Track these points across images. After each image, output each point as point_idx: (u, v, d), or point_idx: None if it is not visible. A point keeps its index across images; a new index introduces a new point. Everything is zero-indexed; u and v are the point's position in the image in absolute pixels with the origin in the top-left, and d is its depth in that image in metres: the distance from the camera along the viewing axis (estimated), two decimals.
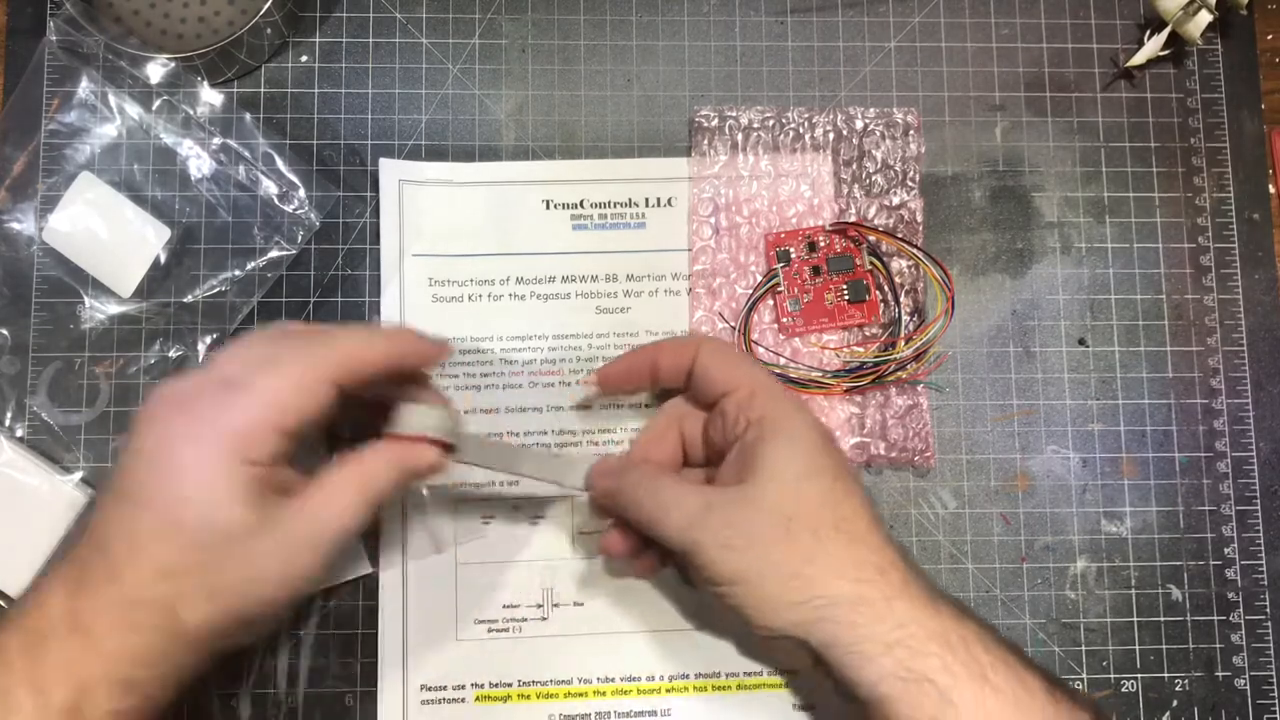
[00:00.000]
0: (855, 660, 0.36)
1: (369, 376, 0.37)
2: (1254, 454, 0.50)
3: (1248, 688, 0.48)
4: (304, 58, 0.51)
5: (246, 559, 0.34)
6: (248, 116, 0.48)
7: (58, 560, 0.37)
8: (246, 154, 0.48)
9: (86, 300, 0.48)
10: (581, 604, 0.47)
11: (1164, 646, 0.48)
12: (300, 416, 0.35)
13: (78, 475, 0.46)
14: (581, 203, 0.50)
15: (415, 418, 0.39)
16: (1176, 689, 0.48)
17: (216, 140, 0.49)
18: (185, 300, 0.48)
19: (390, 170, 0.50)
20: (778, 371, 0.48)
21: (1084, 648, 0.48)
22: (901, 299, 0.49)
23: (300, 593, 0.35)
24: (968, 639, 0.37)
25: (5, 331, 0.47)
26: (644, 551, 0.43)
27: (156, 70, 0.48)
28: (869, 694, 0.36)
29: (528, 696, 0.47)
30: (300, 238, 0.48)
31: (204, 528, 0.34)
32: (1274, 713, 0.48)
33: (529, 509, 0.48)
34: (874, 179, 0.51)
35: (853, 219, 0.50)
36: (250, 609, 0.34)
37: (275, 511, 0.35)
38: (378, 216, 0.49)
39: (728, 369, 0.42)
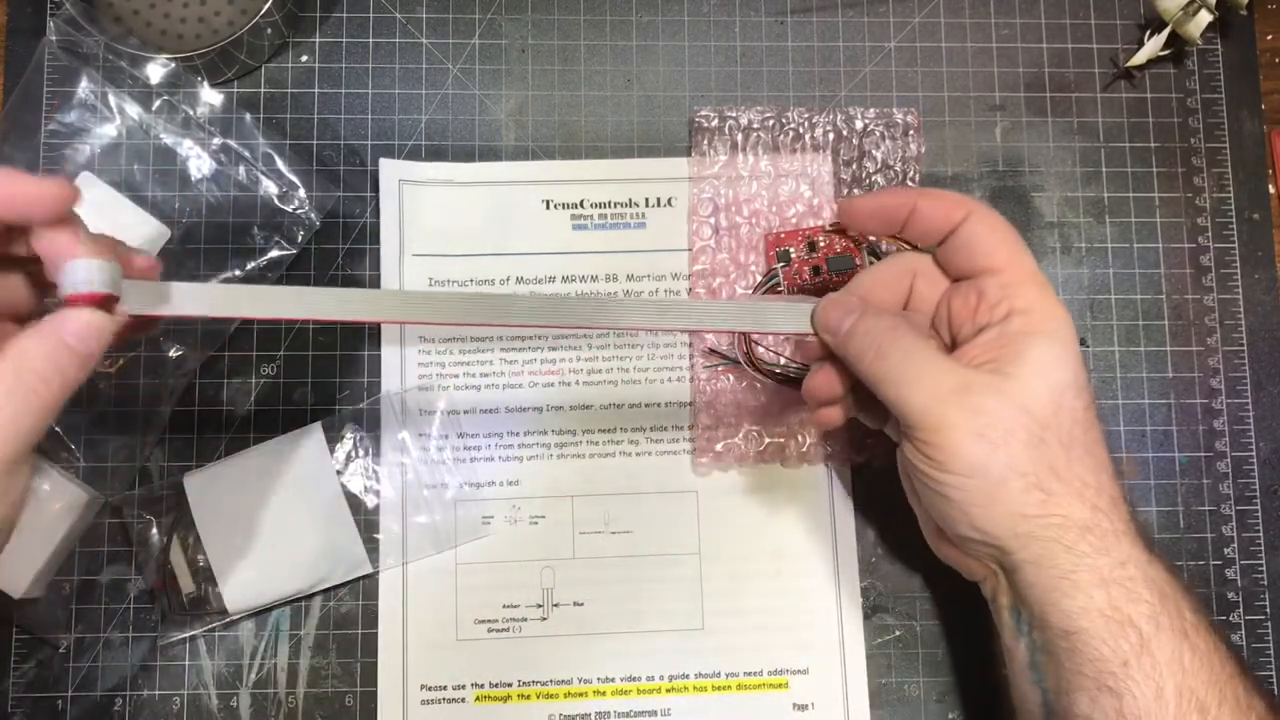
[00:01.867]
0: (1065, 586, 0.35)
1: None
2: (1254, 454, 0.50)
3: None
4: (304, 58, 0.51)
5: None
6: (248, 116, 0.48)
7: None
8: (246, 154, 0.48)
9: None
10: (581, 604, 0.47)
11: None
12: None
13: (77, 475, 0.46)
14: (581, 203, 0.50)
15: (63, 275, 0.34)
16: None
17: (216, 140, 0.49)
18: None
19: (390, 170, 0.50)
20: (778, 371, 0.48)
21: None
22: None
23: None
24: (1177, 594, 0.35)
25: None
26: (842, 400, 0.41)
27: (156, 70, 0.48)
28: (1065, 623, 0.35)
29: (528, 696, 0.47)
30: (300, 238, 0.48)
31: None
32: None
33: (529, 509, 0.48)
34: (874, 179, 0.51)
35: None
36: None
37: None
38: (378, 216, 0.49)
39: (1000, 245, 0.39)
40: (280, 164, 0.48)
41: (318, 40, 0.51)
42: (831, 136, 0.51)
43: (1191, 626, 0.35)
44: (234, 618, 0.46)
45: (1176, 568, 0.38)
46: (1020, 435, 0.35)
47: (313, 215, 0.48)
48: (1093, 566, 0.35)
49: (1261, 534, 0.49)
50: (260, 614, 0.47)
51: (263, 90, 0.50)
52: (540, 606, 0.47)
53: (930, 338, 0.40)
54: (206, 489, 0.46)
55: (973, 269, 0.39)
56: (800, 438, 0.48)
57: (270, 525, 0.46)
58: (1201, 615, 0.36)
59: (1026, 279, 0.38)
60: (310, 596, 0.47)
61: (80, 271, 0.34)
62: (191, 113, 0.48)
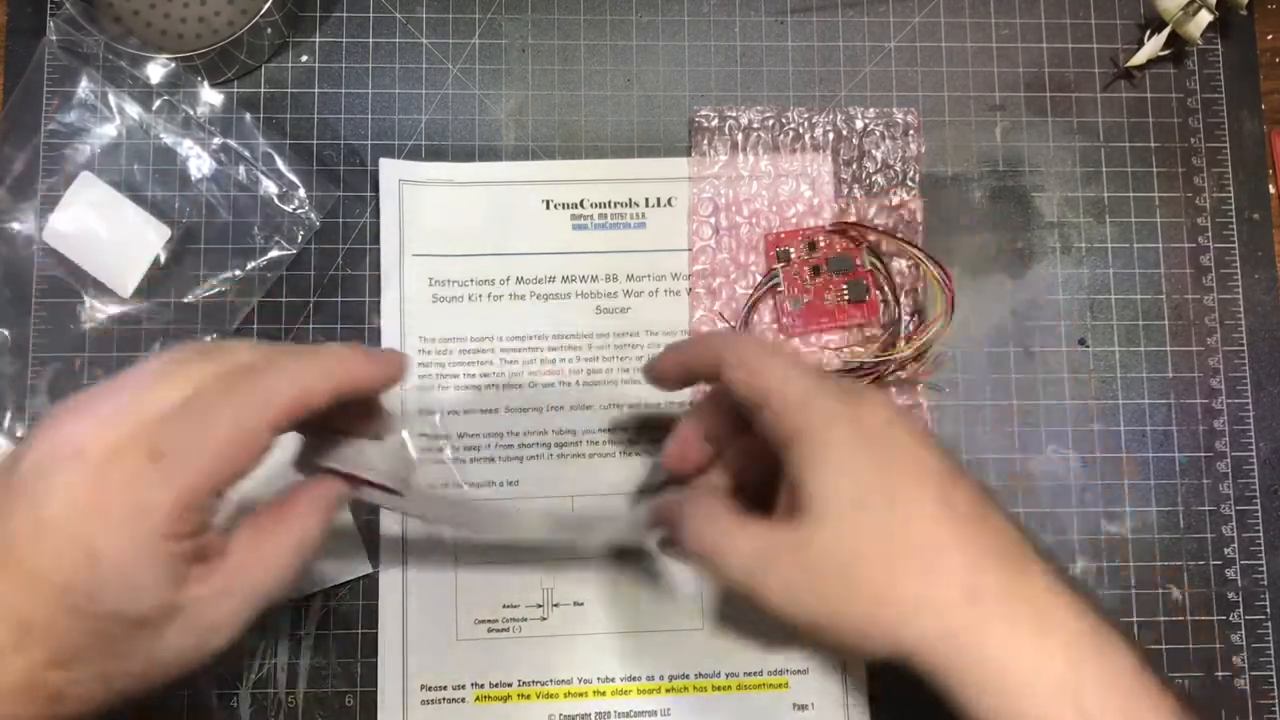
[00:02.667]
0: (958, 698, 0.32)
1: (312, 415, 0.32)
2: (1254, 454, 0.50)
3: (1248, 688, 0.48)
4: (304, 58, 0.51)
5: (156, 642, 0.30)
6: (248, 116, 0.48)
7: None
8: (246, 154, 0.48)
9: (86, 300, 0.48)
10: (581, 604, 0.47)
11: (1164, 647, 0.48)
12: (234, 477, 0.30)
13: None
14: (581, 203, 0.50)
15: (363, 455, 0.35)
16: None
17: (216, 140, 0.49)
18: (185, 300, 0.48)
19: (390, 170, 0.50)
20: None
21: None
22: (901, 299, 0.49)
23: (215, 657, 0.32)
24: (1081, 680, 0.31)
25: (5, 331, 0.47)
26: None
27: (156, 70, 0.48)
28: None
29: (528, 696, 0.47)
30: (300, 238, 0.48)
31: (112, 616, 0.29)
32: (1274, 713, 0.48)
33: (529, 509, 0.48)
34: (874, 179, 0.51)
35: (853, 219, 0.50)
36: (155, 687, 0.31)
37: (194, 589, 0.30)
38: (378, 216, 0.49)
39: (753, 379, 0.36)
40: (280, 164, 0.48)
41: (318, 40, 0.51)
42: (831, 136, 0.51)
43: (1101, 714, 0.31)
44: None
45: (1092, 616, 0.33)
46: (829, 586, 0.33)
47: (313, 215, 0.48)
48: (966, 679, 0.32)
49: (1262, 534, 0.49)
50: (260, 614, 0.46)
51: (263, 90, 0.50)
52: (540, 606, 0.47)
53: (731, 499, 0.39)
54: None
55: (748, 412, 0.36)
56: None
57: None
58: (1118, 694, 0.32)
59: (789, 399, 0.35)
60: (310, 596, 0.47)
61: (380, 456, 0.35)
62: (191, 113, 0.48)
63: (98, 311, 0.48)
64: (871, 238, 0.49)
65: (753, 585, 0.34)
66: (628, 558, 0.47)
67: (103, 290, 0.47)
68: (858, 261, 0.49)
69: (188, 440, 0.29)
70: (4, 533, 0.29)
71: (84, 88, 0.48)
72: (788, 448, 0.34)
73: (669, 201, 0.50)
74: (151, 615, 0.29)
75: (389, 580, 0.47)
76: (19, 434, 0.47)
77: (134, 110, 0.48)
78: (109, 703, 0.30)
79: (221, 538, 0.32)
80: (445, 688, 0.46)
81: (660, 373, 0.41)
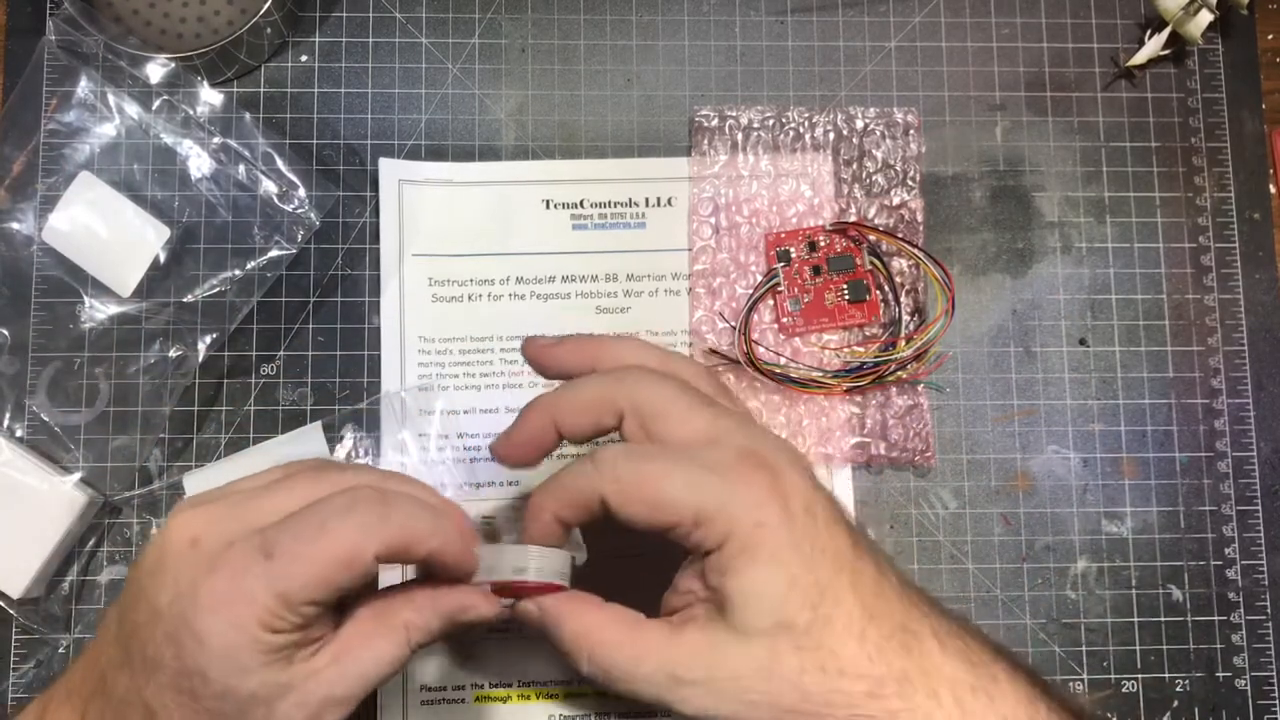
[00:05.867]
0: None
1: (410, 561, 0.34)
2: (1255, 454, 0.50)
3: (1248, 688, 0.48)
4: (304, 57, 0.51)
5: (271, 717, 0.31)
6: (247, 116, 0.48)
7: (59, 692, 0.34)
8: (246, 154, 0.48)
9: (86, 300, 0.48)
10: None
11: (1165, 647, 0.48)
12: (339, 591, 0.31)
13: (77, 475, 0.46)
14: (581, 203, 0.50)
15: (503, 558, 0.34)
16: (1177, 689, 0.48)
17: (216, 140, 0.49)
18: (185, 300, 0.48)
19: (390, 170, 0.49)
20: (778, 372, 0.48)
21: (1084, 648, 0.48)
22: (902, 299, 0.49)
23: None
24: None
25: (5, 331, 0.47)
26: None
27: (156, 70, 0.48)
28: None
29: (528, 696, 0.46)
30: (300, 237, 0.48)
31: (223, 697, 0.31)
32: (1275, 713, 0.48)
33: None
34: (874, 179, 0.51)
35: (853, 219, 0.50)
36: None
37: (302, 667, 0.32)
38: (377, 216, 0.49)
39: (654, 510, 0.33)
40: (280, 163, 0.48)
41: (317, 40, 0.51)
42: (832, 136, 0.51)
43: None
44: None
45: (1004, 663, 0.34)
46: (748, 697, 0.32)
47: (312, 215, 0.48)
48: None
49: (1262, 534, 0.49)
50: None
51: (262, 90, 0.50)
52: None
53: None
54: (206, 489, 0.46)
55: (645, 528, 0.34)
56: (800, 438, 0.48)
57: None
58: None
59: (701, 520, 0.32)
60: None
61: (535, 558, 0.35)
62: (191, 112, 0.48)
63: (97, 311, 0.48)
64: (872, 237, 0.49)
65: (668, 700, 0.33)
66: (627, 556, 0.47)
67: (102, 290, 0.47)
68: (858, 261, 0.49)
69: (299, 547, 0.31)
70: (127, 623, 0.32)
71: (83, 87, 0.48)
72: (706, 554, 0.33)
73: (669, 201, 0.50)
74: (259, 696, 0.31)
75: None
76: (19, 433, 0.47)
77: (133, 110, 0.48)
78: None
79: (335, 622, 0.33)
80: (445, 688, 0.46)
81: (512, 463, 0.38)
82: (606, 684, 0.34)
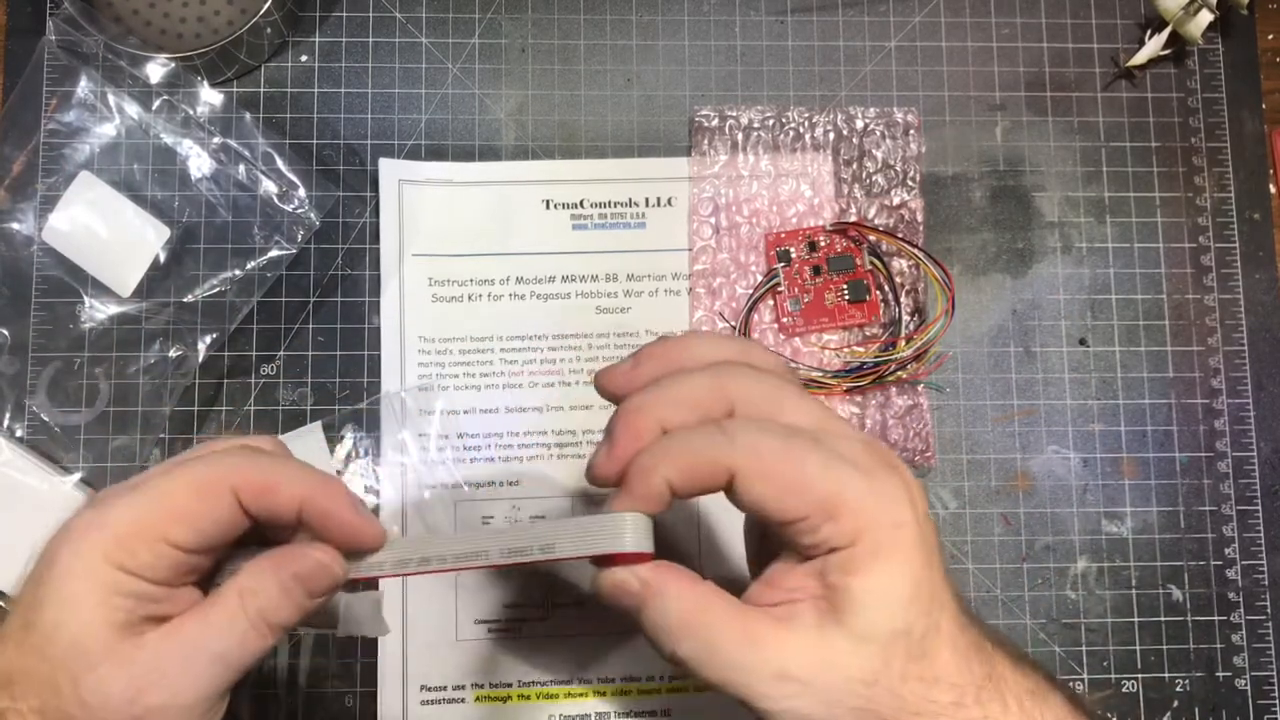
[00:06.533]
0: None
1: (279, 510, 0.31)
2: (1255, 454, 0.50)
3: (1248, 688, 0.48)
4: (304, 57, 0.51)
5: (96, 680, 0.29)
6: (247, 116, 0.48)
7: None
8: (246, 154, 0.48)
9: (86, 300, 0.48)
10: (582, 604, 0.47)
11: (1165, 647, 0.48)
12: (191, 526, 0.30)
13: (77, 475, 0.46)
14: (581, 203, 0.50)
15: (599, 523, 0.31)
16: (1177, 689, 0.48)
17: (216, 140, 0.49)
18: (185, 300, 0.48)
19: (390, 170, 0.49)
20: None
21: (1084, 648, 0.48)
22: (902, 299, 0.49)
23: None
24: None
25: (5, 331, 0.47)
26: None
27: (156, 70, 0.48)
28: None
29: (528, 696, 0.46)
30: (300, 237, 0.48)
31: (53, 632, 0.29)
32: (1275, 713, 0.48)
33: (529, 509, 0.48)
34: (874, 179, 0.51)
35: (853, 219, 0.50)
36: None
37: (138, 633, 0.29)
38: (377, 216, 0.49)
39: (789, 494, 0.30)
40: (280, 163, 0.48)
41: (317, 40, 0.51)
42: (832, 136, 0.51)
43: None
44: None
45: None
46: (849, 702, 0.30)
47: (312, 215, 0.48)
48: None
49: (1262, 534, 0.49)
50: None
51: (262, 90, 0.50)
52: (540, 606, 0.47)
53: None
54: None
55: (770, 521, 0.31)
56: None
57: None
58: None
59: (837, 514, 0.29)
60: None
61: (628, 524, 0.30)
62: (191, 112, 0.48)
63: (97, 311, 0.48)
64: (872, 237, 0.49)
65: (763, 694, 0.30)
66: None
67: (102, 290, 0.47)
68: (858, 261, 0.49)
69: (154, 476, 0.30)
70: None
71: (83, 87, 0.48)
72: (831, 551, 0.30)
73: (669, 201, 0.50)
74: (88, 643, 0.29)
75: (389, 580, 0.47)
76: (19, 433, 0.47)
77: (133, 110, 0.48)
78: None
79: (188, 598, 0.31)
80: (445, 688, 0.46)
81: (620, 479, 0.31)
82: (697, 668, 0.30)
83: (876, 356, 0.48)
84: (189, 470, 0.30)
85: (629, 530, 0.30)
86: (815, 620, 0.30)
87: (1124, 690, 0.48)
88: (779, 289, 0.49)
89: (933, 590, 0.30)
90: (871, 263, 0.49)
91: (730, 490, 0.30)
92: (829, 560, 0.30)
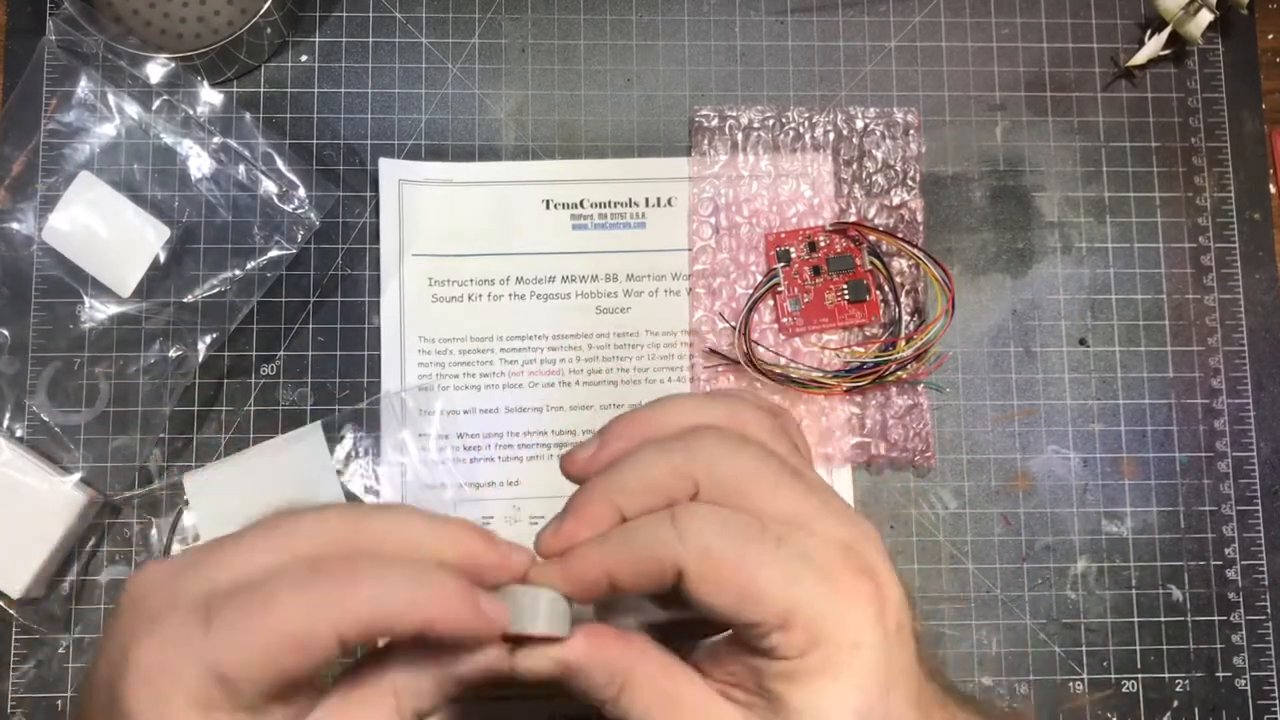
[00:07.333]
0: None
1: (394, 637, 0.27)
2: (1255, 454, 0.50)
3: (1248, 688, 0.48)
4: (304, 57, 0.51)
5: None
6: (247, 116, 0.48)
7: None
8: (246, 154, 0.48)
9: (86, 300, 0.48)
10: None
11: (1165, 647, 0.48)
12: (291, 676, 0.26)
13: (77, 475, 0.46)
14: (581, 203, 0.50)
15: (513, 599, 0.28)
16: (1177, 689, 0.48)
17: (216, 140, 0.49)
18: (185, 300, 0.48)
19: (390, 170, 0.49)
20: (779, 372, 0.48)
21: (1084, 648, 0.48)
22: (902, 299, 0.49)
23: None
24: None
25: (5, 331, 0.47)
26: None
27: (156, 70, 0.48)
28: None
29: (527, 697, 0.46)
30: (300, 237, 0.48)
31: None
32: (1275, 713, 0.48)
33: (529, 509, 0.48)
34: (874, 179, 0.51)
35: (853, 219, 0.50)
36: None
37: None
38: (377, 216, 0.49)
39: (737, 602, 0.27)
40: (280, 163, 0.48)
41: (317, 40, 0.51)
42: (832, 136, 0.51)
43: None
44: None
45: None
46: None
47: (312, 215, 0.48)
48: None
49: (1262, 534, 0.49)
50: None
51: (262, 90, 0.50)
52: None
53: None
54: (206, 489, 0.46)
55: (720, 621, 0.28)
56: None
57: None
58: None
59: (791, 623, 0.27)
60: None
61: (535, 601, 0.27)
62: (191, 112, 0.48)
63: (97, 311, 0.48)
64: (872, 237, 0.49)
65: None
66: None
67: (102, 290, 0.47)
68: (858, 261, 0.49)
69: (241, 620, 0.25)
70: (87, 678, 0.28)
71: (83, 87, 0.48)
72: (780, 658, 0.27)
73: (669, 201, 0.50)
74: None
75: None
76: (19, 433, 0.47)
77: (133, 110, 0.48)
78: None
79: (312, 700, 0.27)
80: None
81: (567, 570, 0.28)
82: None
83: (876, 356, 0.48)
84: (281, 619, 0.25)
85: (543, 612, 0.28)
86: (747, 714, 0.28)
87: (1124, 690, 0.48)
88: (779, 289, 0.49)
89: (886, 714, 0.27)
90: (871, 263, 0.49)
91: (679, 587, 0.27)
92: (773, 664, 0.27)
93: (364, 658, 0.28)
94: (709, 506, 0.28)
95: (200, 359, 0.47)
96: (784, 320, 0.49)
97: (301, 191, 0.48)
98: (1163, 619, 0.48)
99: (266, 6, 0.47)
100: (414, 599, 0.26)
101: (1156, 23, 0.52)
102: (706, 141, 0.50)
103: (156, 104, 0.48)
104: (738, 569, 0.27)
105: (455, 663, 0.27)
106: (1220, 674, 0.48)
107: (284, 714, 0.26)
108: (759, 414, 0.31)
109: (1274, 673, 0.48)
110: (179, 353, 0.48)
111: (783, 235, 0.49)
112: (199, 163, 0.49)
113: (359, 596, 0.25)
